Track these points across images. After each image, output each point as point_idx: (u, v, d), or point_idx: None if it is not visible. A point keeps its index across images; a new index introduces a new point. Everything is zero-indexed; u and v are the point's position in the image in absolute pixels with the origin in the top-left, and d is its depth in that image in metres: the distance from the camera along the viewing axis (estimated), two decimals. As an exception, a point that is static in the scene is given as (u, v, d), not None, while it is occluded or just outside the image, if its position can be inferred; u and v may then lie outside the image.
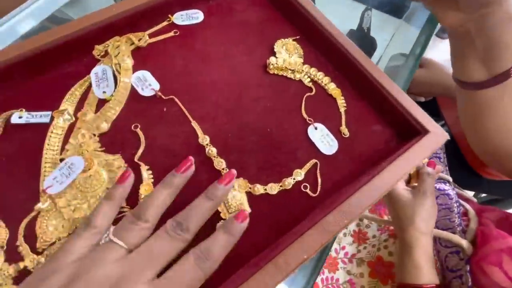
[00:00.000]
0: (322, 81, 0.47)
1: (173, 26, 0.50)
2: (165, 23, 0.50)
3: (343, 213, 0.35)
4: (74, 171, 0.36)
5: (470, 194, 0.92)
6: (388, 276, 0.71)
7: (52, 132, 0.39)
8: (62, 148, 0.39)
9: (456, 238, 0.61)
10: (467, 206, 0.72)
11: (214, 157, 0.40)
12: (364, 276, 0.71)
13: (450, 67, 0.50)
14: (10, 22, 0.57)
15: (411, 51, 0.59)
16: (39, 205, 0.35)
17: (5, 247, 0.34)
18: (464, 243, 0.60)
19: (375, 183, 0.37)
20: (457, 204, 0.71)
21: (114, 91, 0.43)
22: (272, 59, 0.46)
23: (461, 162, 0.97)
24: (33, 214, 0.35)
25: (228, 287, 0.32)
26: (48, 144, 0.38)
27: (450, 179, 0.74)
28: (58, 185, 0.35)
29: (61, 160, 0.38)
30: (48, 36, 0.43)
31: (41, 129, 0.40)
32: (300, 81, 0.47)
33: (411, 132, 0.42)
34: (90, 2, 0.79)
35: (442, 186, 0.72)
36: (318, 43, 0.49)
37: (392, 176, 0.37)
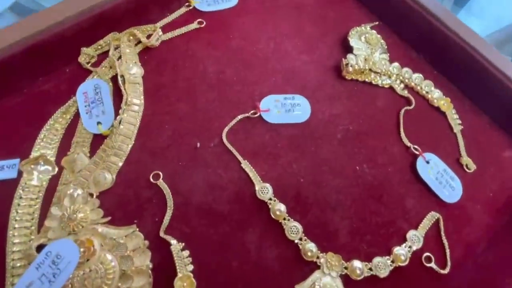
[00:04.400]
0: (421, 88, 0.32)
1: (195, 13, 0.35)
2: (183, 9, 0.34)
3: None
4: (63, 268, 0.21)
5: None
6: None
7: (21, 197, 0.24)
8: (40, 224, 0.24)
9: None
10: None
11: (284, 219, 0.26)
12: None
13: None
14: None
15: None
16: (6, 334, 0.21)
17: None
18: None
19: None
20: None
21: (116, 120, 0.27)
22: (350, 58, 0.31)
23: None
24: None
25: None
26: (15, 220, 0.23)
27: None
28: (36, 300, 0.20)
29: (39, 248, 0.23)
30: (10, 34, 0.27)
31: (4, 191, 0.25)
32: (391, 88, 0.32)
33: None
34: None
35: None
36: (410, 30, 0.34)
37: None
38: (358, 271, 0.25)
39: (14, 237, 0.23)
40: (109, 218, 0.25)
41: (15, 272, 0.22)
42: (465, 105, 0.33)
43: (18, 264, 0.23)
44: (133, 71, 0.29)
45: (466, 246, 0.27)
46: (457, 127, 0.31)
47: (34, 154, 0.26)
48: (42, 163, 0.25)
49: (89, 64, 0.30)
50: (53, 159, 0.26)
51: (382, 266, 0.25)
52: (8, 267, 0.23)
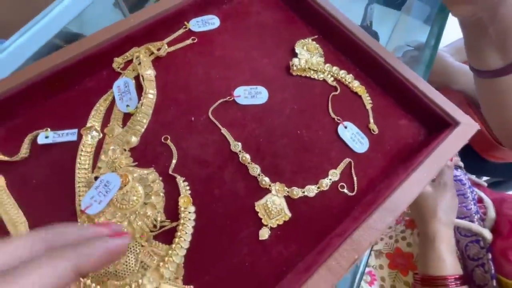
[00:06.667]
0: (345, 80, 0.47)
1: (190, 33, 0.49)
2: (181, 30, 0.49)
3: (387, 210, 0.35)
4: (111, 188, 0.35)
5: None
6: (409, 266, 0.71)
7: (82, 150, 0.38)
8: (94, 166, 0.38)
9: (477, 227, 0.60)
10: (480, 192, 0.71)
11: (248, 163, 0.40)
12: (384, 268, 0.71)
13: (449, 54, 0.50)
14: (18, 41, 0.55)
15: (426, 43, 0.60)
16: (79, 227, 0.34)
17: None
18: (486, 232, 0.59)
19: (414, 178, 0.37)
20: (471, 190, 0.71)
21: (138, 103, 0.42)
22: (295, 60, 0.46)
23: (465, 146, 0.97)
24: (72, 236, 0.34)
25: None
26: (79, 163, 0.37)
27: (462, 165, 0.74)
28: (97, 205, 0.34)
29: (95, 178, 0.37)
30: (67, 52, 0.42)
31: (69, 148, 0.39)
32: (324, 80, 0.47)
33: (440, 124, 0.42)
34: (89, 16, 0.77)
35: (454, 172, 0.71)
36: (338, 42, 0.49)
37: (430, 170, 0.37)
38: (295, 193, 0.39)
39: (79, 173, 0.37)
40: (136, 163, 0.39)
41: (81, 194, 0.36)
42: (376, 91, 0.47)
43: (82, 190, 0.36)
44: (149, 72, 0.44)
45: (369, 180, 0.41)
46: (368, 105, 0.46)
47: (88, 125, 0.40)
48: (93, 131, 0.40)
49: (119, 68, 0.45)
50: (99, 128, 0.40)
51: (311, 190, 0.39)
52: (76, 191, 0.36)
